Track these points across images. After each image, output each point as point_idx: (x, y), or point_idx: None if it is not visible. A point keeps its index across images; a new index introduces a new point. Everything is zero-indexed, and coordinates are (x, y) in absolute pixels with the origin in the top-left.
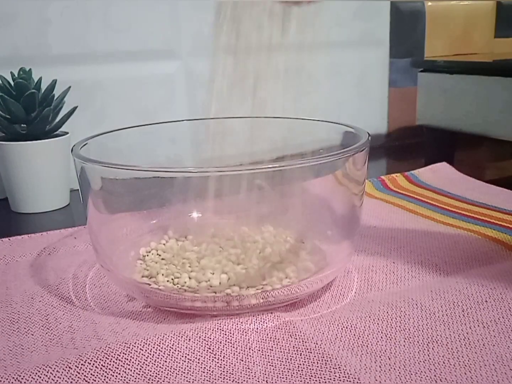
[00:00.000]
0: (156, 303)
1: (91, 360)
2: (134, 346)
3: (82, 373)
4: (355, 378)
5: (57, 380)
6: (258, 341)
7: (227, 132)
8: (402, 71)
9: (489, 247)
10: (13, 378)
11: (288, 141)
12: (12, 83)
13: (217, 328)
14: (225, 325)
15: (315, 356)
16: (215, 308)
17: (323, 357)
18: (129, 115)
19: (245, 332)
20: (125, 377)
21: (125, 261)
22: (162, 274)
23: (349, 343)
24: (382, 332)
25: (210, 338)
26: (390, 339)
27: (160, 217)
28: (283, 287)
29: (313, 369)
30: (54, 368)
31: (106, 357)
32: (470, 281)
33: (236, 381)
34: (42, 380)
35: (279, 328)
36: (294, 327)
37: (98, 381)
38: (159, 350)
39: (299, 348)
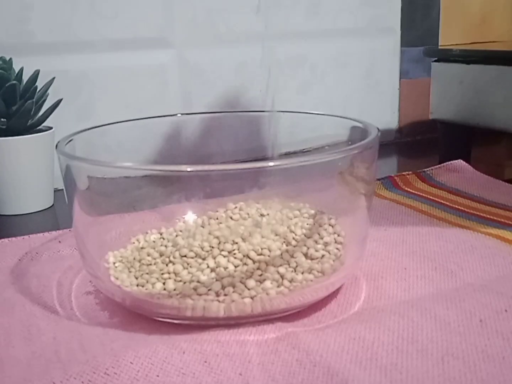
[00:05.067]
0: (147, 312)
1: (76, 375)
2: (124, 360)
3: None
4: None
5: None
6: (258, 353)
7: (226, 127)
8: (414, 60)
9: (508, 251)
10: None
11: (291, 136)
12: None
13: (214, 340)
14: (222, 336)
15: (320, 370)
16: (214, 318)
17: (329, 371)
18: (119, 108)
19: (244, 344)
20: None
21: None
22: (157, 279)
23: (357, 356)
24: (392, 344)
25: (206, 350)
26: (402, 352)
27: (152, 220)
28: (280, 293)
29: None
30: None
31: (93, 372)
32: (488, 289)
33: None
34: None
35: (281, 340)
36: (297, 338)
37: None
38: (151, 363)
39: (302, 361)
